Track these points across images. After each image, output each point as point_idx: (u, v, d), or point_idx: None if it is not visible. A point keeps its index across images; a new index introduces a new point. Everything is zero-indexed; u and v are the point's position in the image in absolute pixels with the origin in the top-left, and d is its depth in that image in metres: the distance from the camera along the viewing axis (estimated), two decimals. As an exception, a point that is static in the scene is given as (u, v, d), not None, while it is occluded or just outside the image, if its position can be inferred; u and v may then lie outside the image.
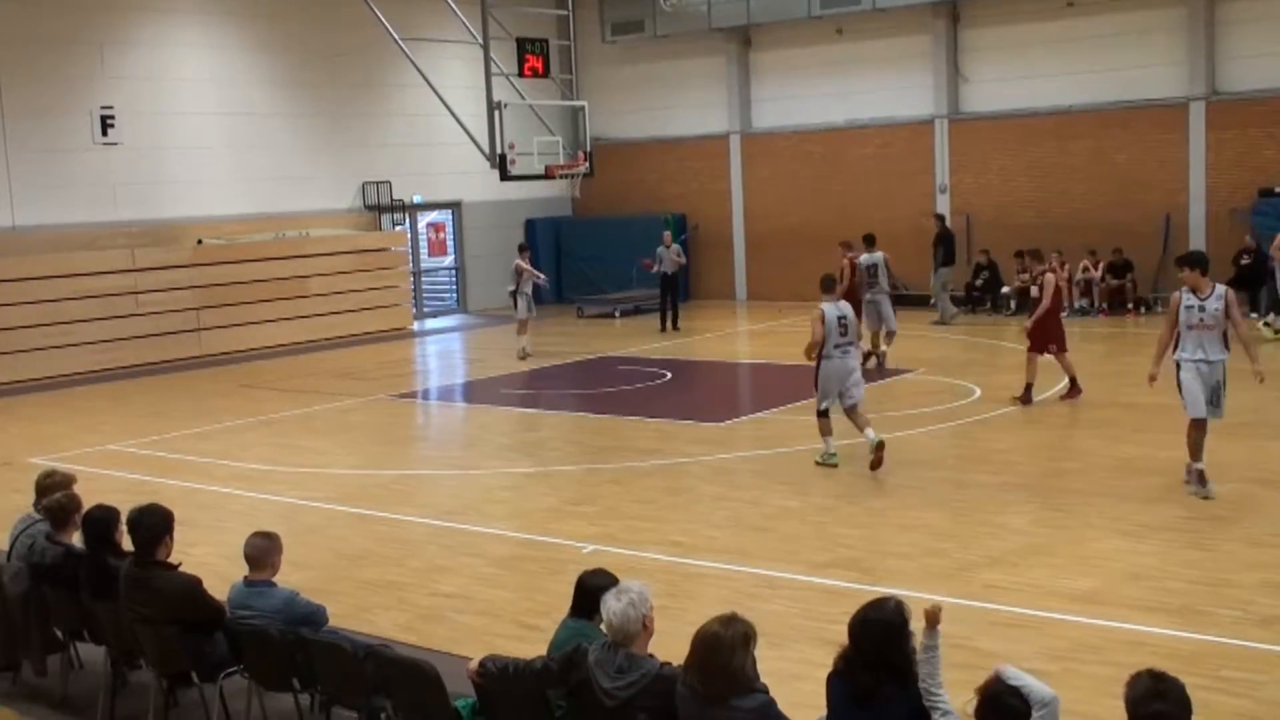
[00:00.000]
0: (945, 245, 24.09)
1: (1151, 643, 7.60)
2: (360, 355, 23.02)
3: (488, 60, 21.13)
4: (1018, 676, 4.58)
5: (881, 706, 4.71)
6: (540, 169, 21.88)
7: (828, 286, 12.95)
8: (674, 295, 24.49)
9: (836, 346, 12.61)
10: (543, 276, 22.46)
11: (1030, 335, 15.62)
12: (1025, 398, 15.40)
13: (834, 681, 4.91)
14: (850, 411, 12.77)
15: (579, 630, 5.74)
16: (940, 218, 24.67)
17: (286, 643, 6.46)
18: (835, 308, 12.69)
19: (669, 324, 24.14)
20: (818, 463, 12.98)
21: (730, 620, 4.92)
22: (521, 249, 22.47)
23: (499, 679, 5.65)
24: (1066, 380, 15.69)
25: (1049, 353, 15.59)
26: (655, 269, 24.28)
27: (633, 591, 5.30)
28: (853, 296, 18.72)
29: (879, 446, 12.29)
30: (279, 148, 25.41)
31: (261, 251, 24.30)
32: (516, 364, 21.19)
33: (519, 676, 5.59)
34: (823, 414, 12.82)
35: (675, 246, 24.53)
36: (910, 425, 14.44)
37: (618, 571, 5.97)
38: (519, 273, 21.44)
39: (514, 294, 21.51)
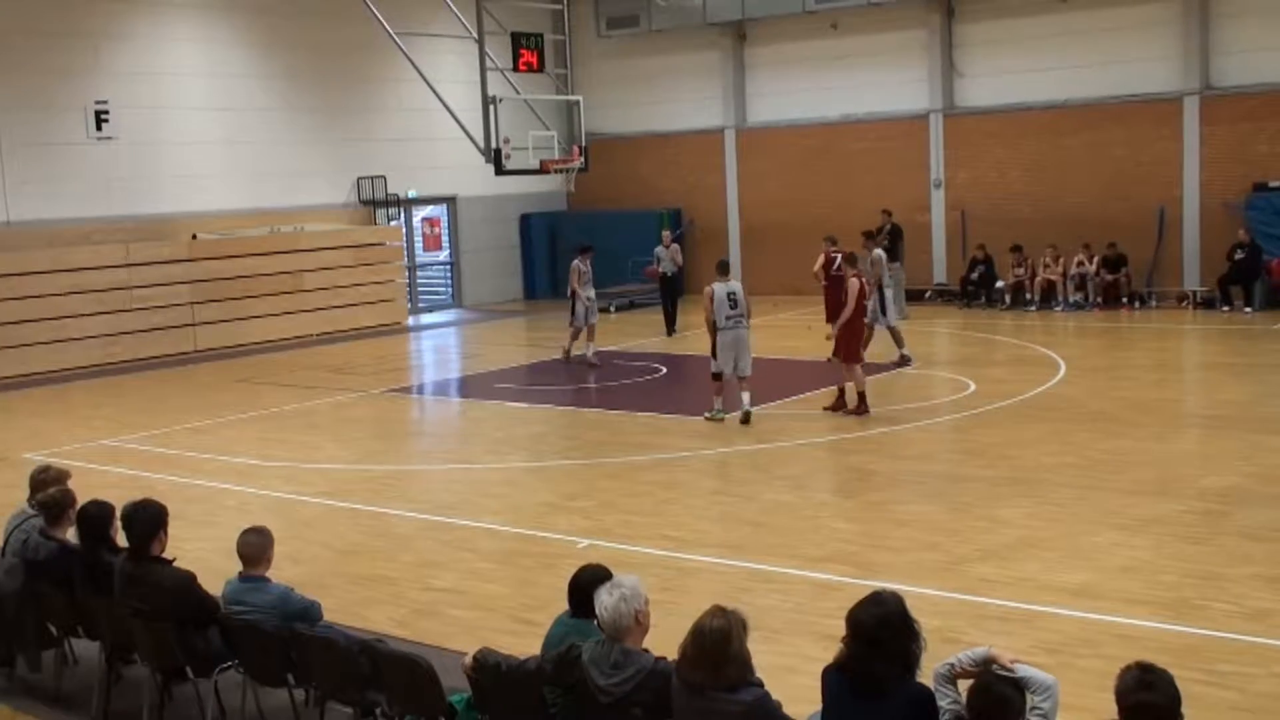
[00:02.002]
0: (898, 241, 24.06)
1: (1144, 636, 7.62)
2: (355, 350, 23.01)
3: (482, 55, 21.10)
4: (1021, 668, 4.57)
5: (882, 700, 4.71)
6: (535, 164, 21.81)
7: (722, 270, 15.12)
8: (675, 296, 23.40)
9: (728, 318, 14.50)
10: (590, 295, 20.22)
11: (839, 346, 14.93)
12: (861, 408, 14.61)
13: (831, 675, 4.90)
14: (740, 380, 14.63)
15: (576, 628, 5.72)
16: (889, 213, 24.49)
17: (281, 638, 6.47)
18: (725, 286, 14.61)
19: (674, 328, 23.03)
20: (707, 417, 14.70)
21: (722, 611, 4.94)
22: (583, 250, 20.49)
23: (493, 676, 5.65)
24: (850, 394, 14.79)
25: (835, 358, 14.98)
26: (658, 269, 23.15)
27: (625, 586, 5.31)
28: (835, 293, 18.72)
29: (747, 421, 14.42)
30: (274, 143, 25.37)
31: (256, 246, 24.27)
32: (512, 359, 21.22)
33: (513, 675, 5.59)
34: (716, 376, 14.68)
35: (675, 246, 23.56)
36: (905, 420, 14.45)
37: (612, 566, 5.97)
38: (576, 274, 19.87)
39: (573, 297, 19.86)
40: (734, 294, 14.58)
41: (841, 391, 14.94)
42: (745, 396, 14.61)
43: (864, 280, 15.38)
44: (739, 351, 14.54)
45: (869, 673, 4.74)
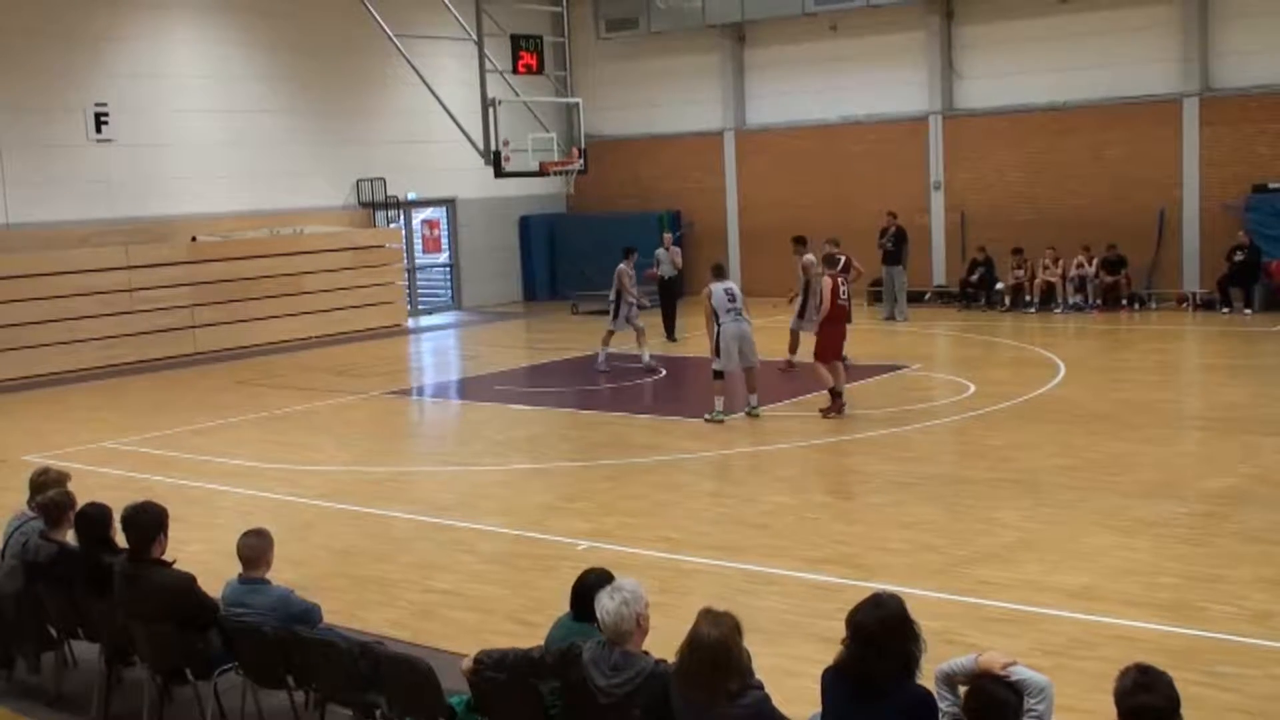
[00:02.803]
0: (902, 243, 24.13)
1: (1144, 638, 7.62)
2: (355, 352, 23.00)
3: (482, 57, 21.12)
4: (1016, 670, 4.57)
5: (882, 702, 4.71)
6: (535, 166, 21.81)
7: (717, 273, 15.52)
8: (674, 299, 22.75)
9: (728, 312, 14.79)
10: (634, 297, 19.50)
11: (818, 346, 14.92)
12: (836, 406, 14.61)
13: (831, 676, 4.89)
14: (748, 372, 14.89)
15: (578, 631, 5.72)
16: (894, 215, 24.49)
17: (280, 640, 6.47)
18: (722, 284, 15.02)
19: (674, 332, 22.43)
20: (707, 419, 14.58)
21: (717, 618, 4.92)
22: (628, 252, 19.94)
23: (495, 668, 5.64)
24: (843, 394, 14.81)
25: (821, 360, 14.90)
26: (657, 272, 22.38)
27: (626, 590, 5.30)
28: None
29: (755, 415, 14.80)
30: (273, 145, 25.38)
31: (256, 249, 24.26)
32: (512, 361, 21.22)
33: (515, 664, 5.59)
34: (717, 375, 14.82)
35: (675, 249, 22.91)
36: (905, 421, 14.45)
37: (612, 568, 5.97)
38: (625, 278, 19.29)
39: (618, 300, 19.23)
40: (731, 289, 14.96)
41: (838, 394, 14.89)
42: (753, 398, 14.91)
43: (838, 280, 15.22)
44: (743, 344, 14.72)
45: (868, 674, 4.73)
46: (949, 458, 13.09)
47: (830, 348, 14.94)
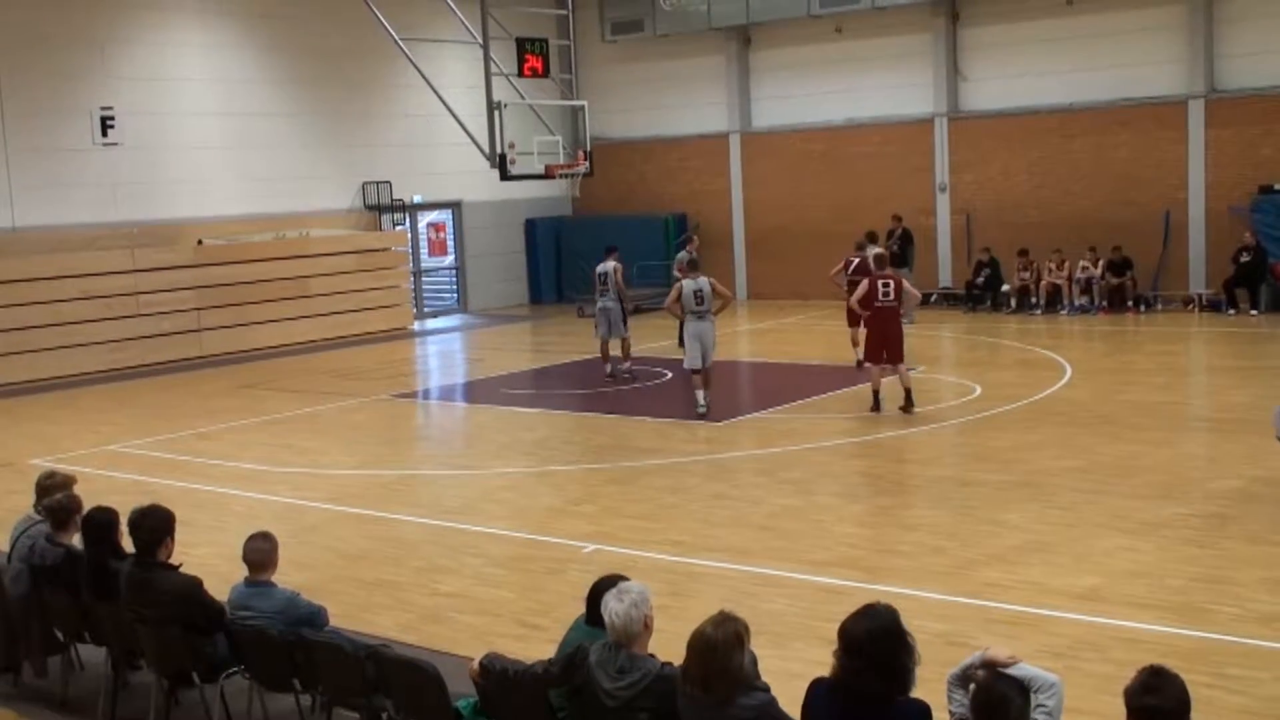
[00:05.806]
0: (908, 245, 24.03)
1: (1151, 640, 7.61)
2: (361, 355, 23.02)
3: (487, 60, 21.12)
4: (1020, 667, 4.56)
5: (874, 715, 4.65)
6: (540, 169, 21.81)
7: (692, 267, 16.16)
8: None
9: (691, 313, 15.31)
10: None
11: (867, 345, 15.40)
12: (874, 407, 14.86)
13: (821, 688, 4.80)
14: (705, 371, 15.36)
15: (593, 636, 5.69)
16: (899, 218, 24.43)
17: (287, 643, 6.47)
18: (693, 283, 15.37)
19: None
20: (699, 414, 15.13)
21: (722, 621, 4.89)
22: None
23: (499, 681, 5.64)
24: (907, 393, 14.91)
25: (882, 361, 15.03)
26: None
27: (634, 592, 5.31)
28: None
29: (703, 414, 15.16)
30: (279, 148, 25.41)
31: (262, 252, 24.30)
32: (517, 364, 21.21)
33: (520, 680, 5.59)
34: (695, 371, 15.33)
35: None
36: (911, 423, 14.44)
37: (618, 570, 5.96)
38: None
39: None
40: (700, 290, 15.27)
41: (907, 392, 14.87)
42: (700, 394, 15.30)
43: (875, 282, 15.09)
44: (704, 342, 15.23)
45: (859, 687, 4.65)
46: (955, 460, 13.08)
47: (868, 349, 15.52)
